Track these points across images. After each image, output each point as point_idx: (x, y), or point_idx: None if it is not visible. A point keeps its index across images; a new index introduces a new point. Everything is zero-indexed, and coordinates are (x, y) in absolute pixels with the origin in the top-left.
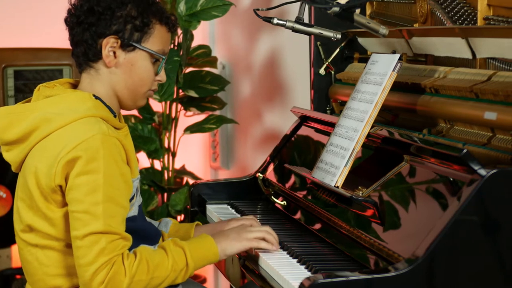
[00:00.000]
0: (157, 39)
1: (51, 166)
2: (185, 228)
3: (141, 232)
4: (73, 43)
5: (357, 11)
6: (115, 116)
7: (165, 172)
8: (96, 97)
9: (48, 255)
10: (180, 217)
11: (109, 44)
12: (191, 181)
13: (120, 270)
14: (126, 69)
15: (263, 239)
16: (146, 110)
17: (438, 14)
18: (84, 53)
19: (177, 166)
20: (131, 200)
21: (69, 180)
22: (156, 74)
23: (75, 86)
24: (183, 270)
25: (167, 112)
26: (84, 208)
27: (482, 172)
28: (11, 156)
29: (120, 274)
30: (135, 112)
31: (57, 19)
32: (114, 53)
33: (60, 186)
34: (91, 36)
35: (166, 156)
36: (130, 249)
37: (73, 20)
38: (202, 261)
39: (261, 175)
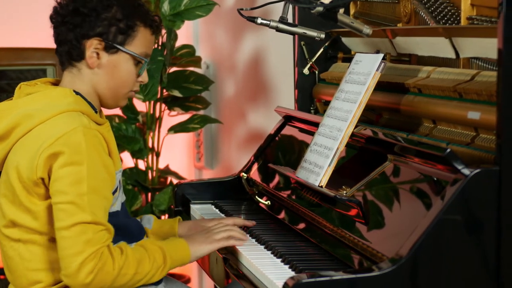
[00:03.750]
0: (140, 41)
1: (33, 159)
2: (169, 224)
3: (123, 228)
4: (57, 42)
5: (341, 10)
6: (96, 112)
7: (149, 172)
8: (77, 93)
9: (30, 249)
10: (164, 217)
11: (92, 46)
12: (175, 181)
13: (109, 261)
14: (108, 70)
15: (230, 236)
16: (130, 110)
17: (422, 14)
18: (67, 52)
19: (161, 166)
20: (114, 193)
21: (52, 173)
22: (138, 75)
23: (56, 85)
24: (161, 267)
25: (151, 112)
26: (69, 199)
27: (466, 171)
28: None
29: (109, 265)
30: (119, 111)
31: (40, 19)
32: (98, 54)
33: (42, 179)
34: (75, 37)
35: (150, 156)
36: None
37: (58, 19)
38: (177, 261)
39: (245, 175)
